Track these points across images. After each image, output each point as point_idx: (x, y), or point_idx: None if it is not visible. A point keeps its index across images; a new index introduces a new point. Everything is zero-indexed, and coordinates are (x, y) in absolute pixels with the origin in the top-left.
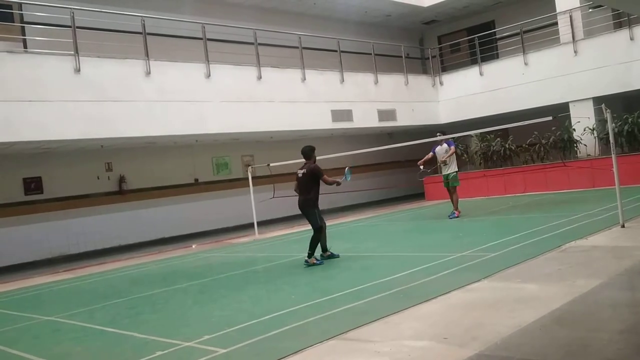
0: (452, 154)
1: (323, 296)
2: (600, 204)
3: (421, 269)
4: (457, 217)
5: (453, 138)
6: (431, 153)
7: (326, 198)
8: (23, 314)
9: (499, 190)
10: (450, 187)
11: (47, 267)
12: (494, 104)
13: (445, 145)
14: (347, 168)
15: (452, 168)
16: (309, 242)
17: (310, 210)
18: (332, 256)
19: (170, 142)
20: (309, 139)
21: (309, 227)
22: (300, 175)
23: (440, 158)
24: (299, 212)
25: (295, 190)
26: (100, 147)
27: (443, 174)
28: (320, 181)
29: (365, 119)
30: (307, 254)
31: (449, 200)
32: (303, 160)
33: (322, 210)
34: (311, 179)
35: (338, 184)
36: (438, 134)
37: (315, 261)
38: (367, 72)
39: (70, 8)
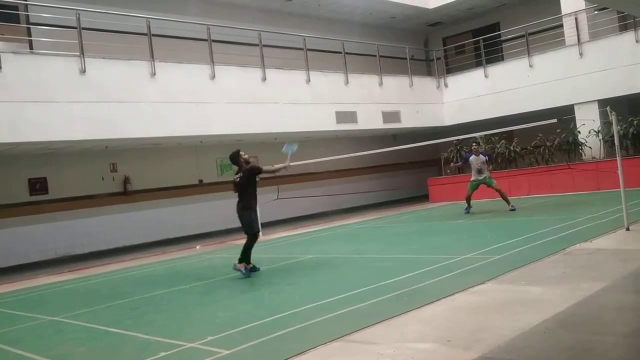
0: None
1: (326, 298)
2: (605, 207)
3: (425, 271)
4: (514, 209)
5: (458, 141)
6: (461, 162)
7: (330, 200)
8: (27, 314)
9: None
10: (494, 187)
11: (51, 267)
12: (499, 106)
13: (482, 157)
14: (288, 145)
15: (485, 173)
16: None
17: (246, 212)
18: (255, 269)
19: (174, 143)
20: (313, 140)
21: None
22: (237, 180)
23: (475, 166)
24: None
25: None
26: (105, 148)
27: (477, 179)
28: (257, 182)
29: (370, 120)
30: (237, 259)
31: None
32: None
33: (326, 211)
34: (248, 179)
35: (285, 167)
36: (474, 143)
37: (242, 268)
38: (371, 73)
39: (76, 9)
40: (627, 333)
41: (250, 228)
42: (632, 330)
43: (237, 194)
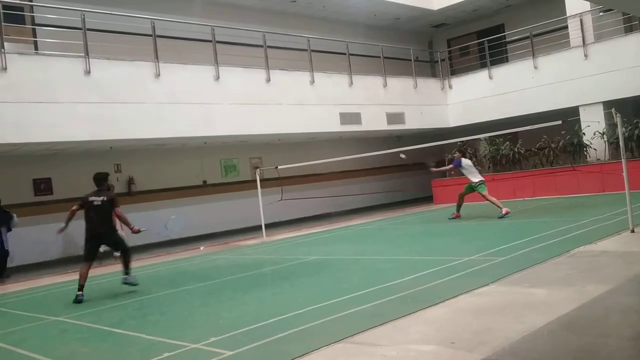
0: (449, 169)
1: (330, 299)
2: (609, 209)
3: (429, 272)
4: (506, 214)
5: (462, 143)
6: (452, 165)
7: (333, 201)
8: (31, 314)
9: (508, 194)
10: (480, 194)
11: (55, 268)
12: (503, 108)
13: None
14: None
15: (476, 179)
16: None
17: (115, 233)
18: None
19: (178, 144)
20: (317, 141)
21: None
22: (98, 203)
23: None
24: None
25: (67, 222)
26: (109, 149)
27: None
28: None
29: (374, 121)
30: (126, 273)
31: (456, 203)
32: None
33: (330, 212)
34: (111, 205)
35: (131, 228)
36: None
37: (133, 280)
38: (375, 75)
39: (81, 10)
40: (632, 336)
41: (123, 244)
42: (638, 333)
43: (96, 215)
